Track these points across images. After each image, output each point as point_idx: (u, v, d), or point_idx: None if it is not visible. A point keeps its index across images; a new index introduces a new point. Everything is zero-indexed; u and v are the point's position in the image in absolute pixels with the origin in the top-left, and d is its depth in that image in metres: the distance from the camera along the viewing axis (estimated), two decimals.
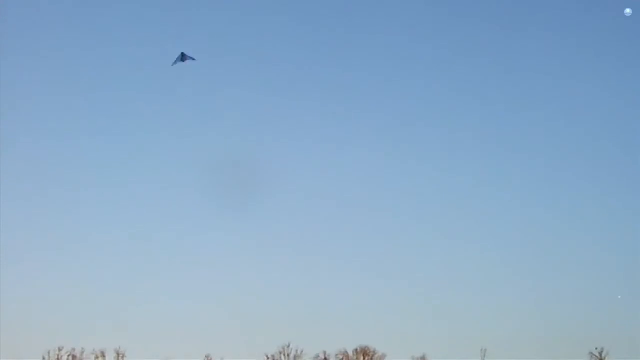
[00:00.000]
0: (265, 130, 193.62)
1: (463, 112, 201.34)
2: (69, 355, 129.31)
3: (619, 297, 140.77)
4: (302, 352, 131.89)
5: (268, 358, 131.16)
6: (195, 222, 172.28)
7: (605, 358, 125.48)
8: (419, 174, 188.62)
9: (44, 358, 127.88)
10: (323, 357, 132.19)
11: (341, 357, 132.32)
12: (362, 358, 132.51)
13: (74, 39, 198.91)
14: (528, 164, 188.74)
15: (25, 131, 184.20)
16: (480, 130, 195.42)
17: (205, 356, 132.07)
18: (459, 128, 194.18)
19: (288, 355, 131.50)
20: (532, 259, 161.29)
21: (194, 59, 51.10)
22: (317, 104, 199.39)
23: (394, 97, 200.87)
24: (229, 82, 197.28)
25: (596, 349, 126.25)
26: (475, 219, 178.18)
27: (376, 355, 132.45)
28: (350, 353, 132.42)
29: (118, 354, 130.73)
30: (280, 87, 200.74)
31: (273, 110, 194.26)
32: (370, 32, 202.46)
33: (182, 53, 50.93)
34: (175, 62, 50.35)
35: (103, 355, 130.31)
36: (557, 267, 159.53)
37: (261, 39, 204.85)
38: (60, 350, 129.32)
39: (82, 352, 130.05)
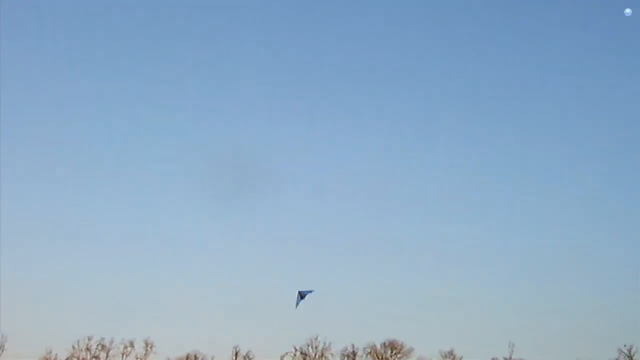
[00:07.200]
0: (268, 127, 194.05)
1: (466, 112, 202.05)
2: (98, 345, 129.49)
3: None
4: (330, 344, 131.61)
5: (296, 350, 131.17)
6: (209, 217, 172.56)
7: (634, 355, 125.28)
8: (428, 168, 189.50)
9: (73, 347, 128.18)
10: (351, 351, 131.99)
11: (369, 350, 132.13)
12: (389, 352, 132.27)
13: (76, 37, 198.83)
14: (530, 162, 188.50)
15: (24, 133, 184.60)
16: (486, 130, 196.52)
17: (233, 347, 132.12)
18: (464, 126, 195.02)
19: (316, 348, 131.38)
20: (562, 255, 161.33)
21: (310, 291, 51.04)
22: (318, 100, 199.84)
23: (398, 93, 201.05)
24: (230, 78, 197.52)
25: (625, 345, 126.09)
26: (498, 214, 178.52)
27: (404, 349, 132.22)
28: (378, 347, 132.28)
29: (147, 344, 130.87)
30: (283, 85, 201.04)
31: (275, 106, 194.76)
32: (377, 28, 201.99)
33: (299, 292, 50.94)
34: (297, 303, 50.56)
35: (132, 345, 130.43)
36: (587, 264, 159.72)
37: (264, 35, 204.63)
38: (89, 339, 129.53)
39: (112, 342, 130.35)
